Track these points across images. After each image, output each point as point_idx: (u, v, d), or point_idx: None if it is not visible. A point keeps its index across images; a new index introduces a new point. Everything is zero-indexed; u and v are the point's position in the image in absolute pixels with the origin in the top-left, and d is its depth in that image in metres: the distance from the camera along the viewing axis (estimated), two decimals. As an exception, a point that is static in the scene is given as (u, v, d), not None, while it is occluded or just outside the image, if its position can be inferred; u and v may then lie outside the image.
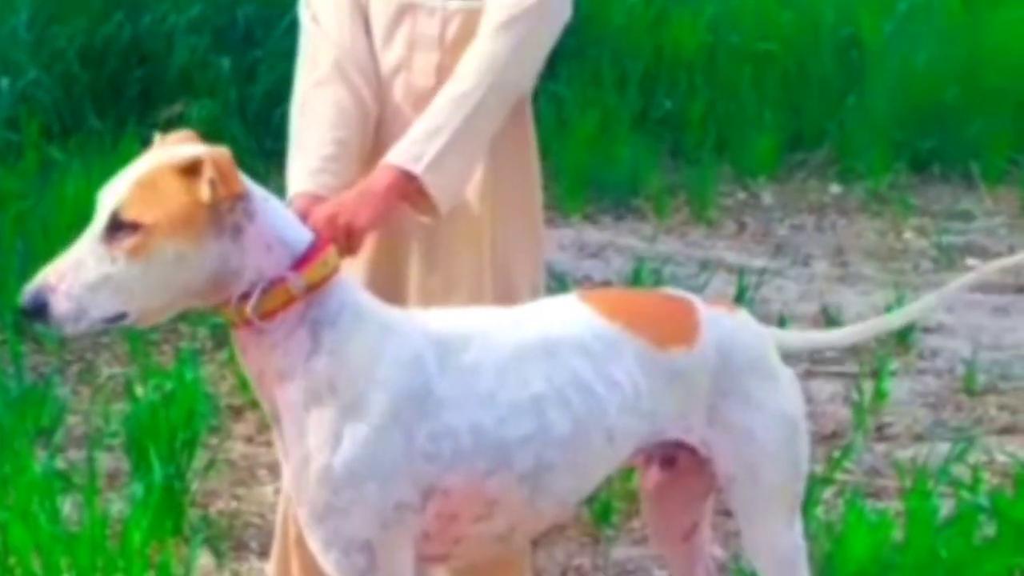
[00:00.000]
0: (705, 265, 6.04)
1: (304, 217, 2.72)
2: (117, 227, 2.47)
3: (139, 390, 4.63)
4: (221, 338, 5.14)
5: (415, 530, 2.64)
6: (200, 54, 6.71)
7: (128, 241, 2.46)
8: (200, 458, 4.24)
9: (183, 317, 5.31)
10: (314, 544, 2.65)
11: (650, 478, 3.01)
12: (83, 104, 6.50)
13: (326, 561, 2.64)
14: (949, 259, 6.46)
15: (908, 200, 7.04)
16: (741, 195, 7.13)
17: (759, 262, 6.18)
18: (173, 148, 2.58)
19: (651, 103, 7.31)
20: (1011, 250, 6.59)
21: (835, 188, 7.21)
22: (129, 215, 2.47)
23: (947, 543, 3.72)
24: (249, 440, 4.63)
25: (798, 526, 2.97)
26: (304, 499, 2.62)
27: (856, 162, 7.25)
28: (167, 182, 2.48)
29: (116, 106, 6.54)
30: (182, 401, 4.27)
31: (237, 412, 4.77)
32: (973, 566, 3.64)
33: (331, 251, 2.64)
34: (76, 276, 2.46)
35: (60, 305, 2.45)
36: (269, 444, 4.59)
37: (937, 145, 7.33)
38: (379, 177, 2.86)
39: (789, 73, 7.48)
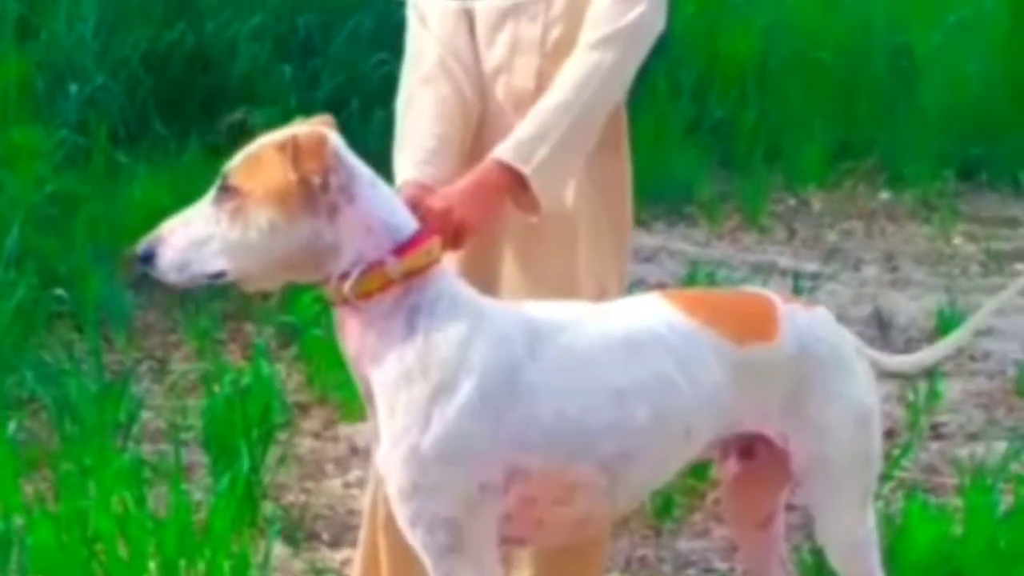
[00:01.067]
0: (758, 269, 6.14)
1: (415, 205, 2.82)
2: (224, 191, 2.65)
3: (211, 387, 4.76)
4: (287, 337, 5.27)
5: (498, 511, 2.73)
6: (262, 62, 6.83)
7: (230, 204, 2.64)
8: (271, 453, 4.37)
9: (248, 316, 5.47)
10: (401, 521, 2.75)
11: (728, 468, 3.09)
12: (148, 110, 6.63)
13: (413, 538, 2.74)
14: (998, 264, 6.55)
15: (956, 207, 7.13)
16: (792, 202, 7.23)
17: (812, 267, 6.28)
18: (296, 127, 2.71)
19: (703, 112, 7.42)
20: (1060, 256, 6.69)
21: (884, 195, 7.31)
22: (233, 181, 2.65)
23: (1007, 535, 3.80)
24: (316, 436, 4.74)
25: (871, 517, 3.04)
26: (393, 477, 2.72)
27: (905, 169, 7.34)
28: (268, 156, 2.64)
29: (180, 112, 6.67)
30: (257, 396, 4.39)
31: (304, 409, 4.89)
32: (1032, 558, 3.73)
33: (435, 242, 2.75)
34: (185, 231, 2.65)
35: (167, 255, 2.65)
36: (336, 439, 4.73)
37: (985, 153, 7.43)
38: (490, 173, 2.97)
39: (840, 82, 7.58)
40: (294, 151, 2.61)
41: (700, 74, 7.51)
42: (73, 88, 6.45)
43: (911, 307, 5.94)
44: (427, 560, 2.74)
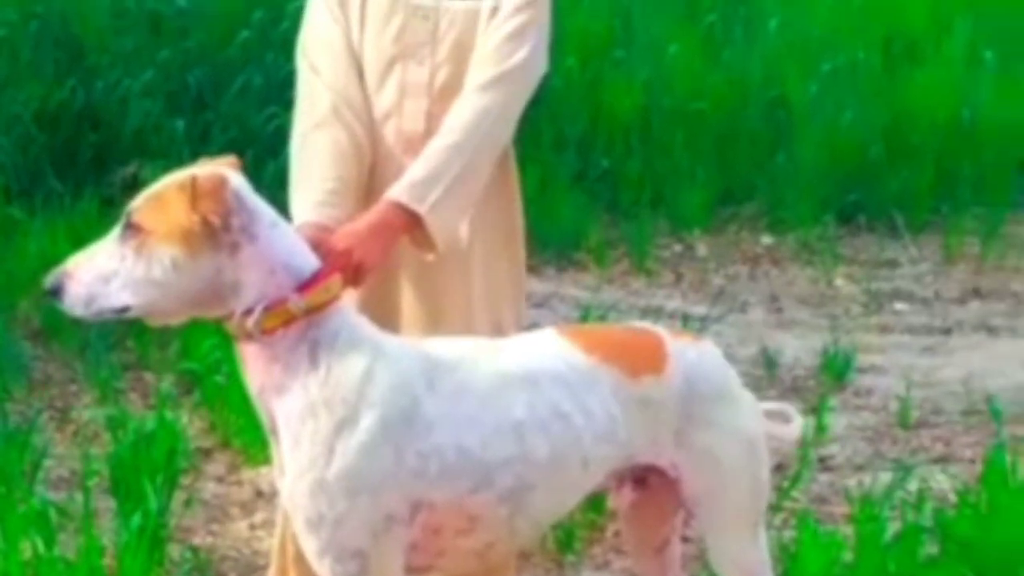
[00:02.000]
0: (647, 313, 6.27)
1: (315, 245, 2.91)
2: (128, 229, 2.74)
3: (107, 435, 4.80)
4: (188, 384, 5.32)
5: (404, 541, 2.82)
6: (154, 117, 6.90)
7: (134, 241, 2.73)
8: (177, 497, 4.42)
9: (147, 365, 5.51)
10: (309, 553, 2.83)
11: (623, 498, 3.20)
12: (42, 165, 6.67)
13: (321, 568, 2.82)
14: (879, 303, 6.74)
15: (837, 250, 7.32)
16: (677, 247, 7.39)
17: (699, 309, 6.43)
18: (197, 168, 2.81)
19: (589, 162, 7.57)
20: (936, 295, 6.90)
21: (767, 239, 7.49)
22: (137, 219, 2.74)
23: (895, 560, 3.95)
24: (220, 480, 4.79)
25: (762, 541, 3.16)
26: (299, 510, 2.80)
27: (786, 214, 7.53)
28: (171, 195, 2.73)
29: (73, 167, 6.72)
30: (162, 441, 4.44)
31: (207, 454, 4.94)
32: (921, 580, 3.88)
33: (335, 279, 2.85)
34: (90, 266, 2.75)
35: (73, 289, 2.75)
36: (240, 483, 4.77)
37: (862, 198, 7.64)
38: (387, 214, 3.08)
39: (720, 132, 7.76)
40: (193, 191, 2.70)
41: (585, 125, 7.67)
42: (-34, 146, 6.49)
43: (796, 346, 6.10)
44: (336, 591, 2.81)
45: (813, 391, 5.60)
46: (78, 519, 4.07)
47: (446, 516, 2.84)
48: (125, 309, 2.76)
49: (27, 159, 6.67)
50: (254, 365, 2.81)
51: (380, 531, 2.78)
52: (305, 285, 2.79)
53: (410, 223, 3.08)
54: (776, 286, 6.97)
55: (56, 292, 2.75)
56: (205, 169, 2.79)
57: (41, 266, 5.81)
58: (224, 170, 2.79)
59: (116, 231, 2.76)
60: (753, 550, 3.13)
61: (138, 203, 2.76)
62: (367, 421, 2.77)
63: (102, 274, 2.74)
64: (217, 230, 2.71)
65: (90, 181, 6.56)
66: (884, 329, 6.45)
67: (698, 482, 3.07)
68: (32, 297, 5.81)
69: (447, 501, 2.83)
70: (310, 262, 2.82)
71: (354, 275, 3.01)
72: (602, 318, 5.98)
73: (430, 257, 3.13)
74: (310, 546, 2.81)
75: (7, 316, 5.61)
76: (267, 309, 2.76)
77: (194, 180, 2.72)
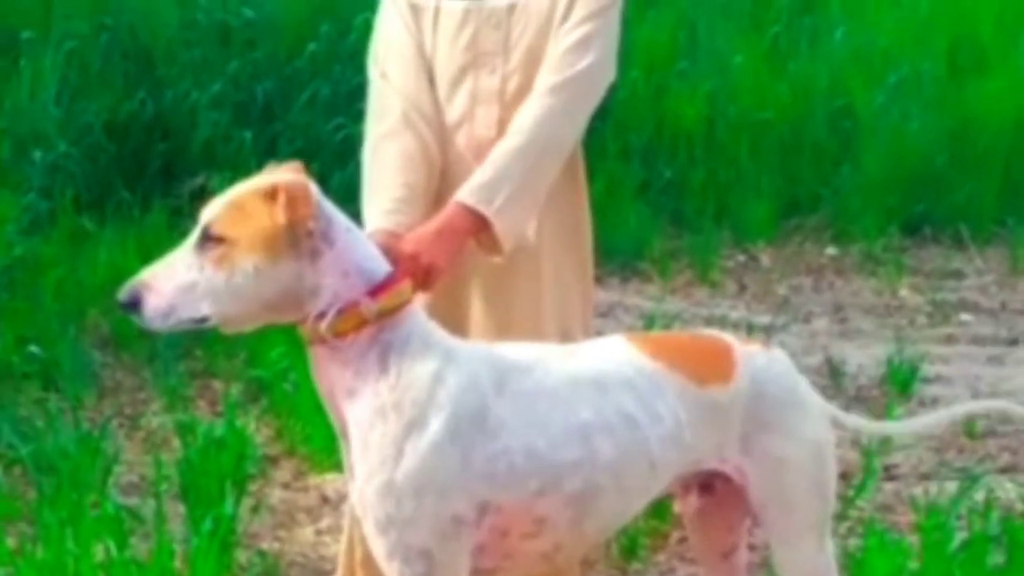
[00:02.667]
0: (711, 322, 6.27)
1: (386, 251, 2.94)
2: (207, 239, 2.75)
3: (176, 441, 4.86)
4: (255, 392, 5.37)
5: (471, 543, 2.84)
6: (222, 128, 6.97)
7: (214, 252, 2.74)
8: (244, 503, 4.46)
9: (215, 373, 5.57)
10: (378, 554, 2.85)
11: (690, 504, 3.19)
12: (111, 176, 6.75)
13: (389, 569, 2.84)
14: (943, 315, 6.72)
15: (902, 261, 7.30)
16: (741, 258, 7.39)
17: (763, 319, 6.43)
18: (271, 175, 2.83)
19: (653, 172, 7.59)
20: (1003, 306, 6.87)
21: (831, 250, 7.48)
22: (217, 230, 2.74)
23: (962, 569, 3.94)
24: (287, 487, 4.83)
25: (829, 549, 3.15)
26: (368, 511, 2.83)
27: (850, 225, 7.51)
28: (252, 204, 2.75)
29: (142, 178, 6.80)
30: (231, 448, 4.49)
31: (274, 461, 4.98)
32: (988, 589, 3.87)
33: (406, 284, 2.88)
34: (168, 278, 2.75)
35: (152, 302, 2.74)
36: (306, 490, 4.81)
37: (928, 208, 7.62)
38: (454, 217, 3.10)
39: (785, 142, 7.76)
40: (287, 200, 2.71)
41: (649, 136, 7.68)
42: (37, 155, 6.56)
43: (861, 356, 6.09)
44: (404, 592, 2.84)
45: (878, 401, 5.58)
46: (149, 523, 4.12)
47: (513, 518, 2.86)
48: (204, 319, 2.77)
49: (97, 170, 6.76)
50: (325, 368, 2.84)
51: (447, 532, 2.80)
52: (377, 289, 2.81)
53: (477, 226, 3.11)
54: (841, 296, 6.96)
55: (134, 305, 2.74)
56: (280, 176, 2.81)
57: (111, 276, 5.94)
58: (304, 176, 2.82)
59: (191, 241, 2.76)
60: (819, 557, 3.13)
61: (215, 213, 2.76)
62: (436, 423, 2.80)
63: (181, 285, 2.74)
64: (301, 237, 2.73)
65: (159, 192, 6.64)
66: (949, 340, 6.43)
67: (764, 488, 3.08)
68: (102, 306, 5.89)
69: (514, 503, 2.85)
70: (382, 267, 2.85)
71: (423, 279, 3.03)
72: (666, 328, 5.98)
73: (497, 260, 3.15)
74: (379, 548, 2.84)
75: (77, 325, 5.69)
76: (340, 312, 2.78)
77: (286, 188, 2.73)
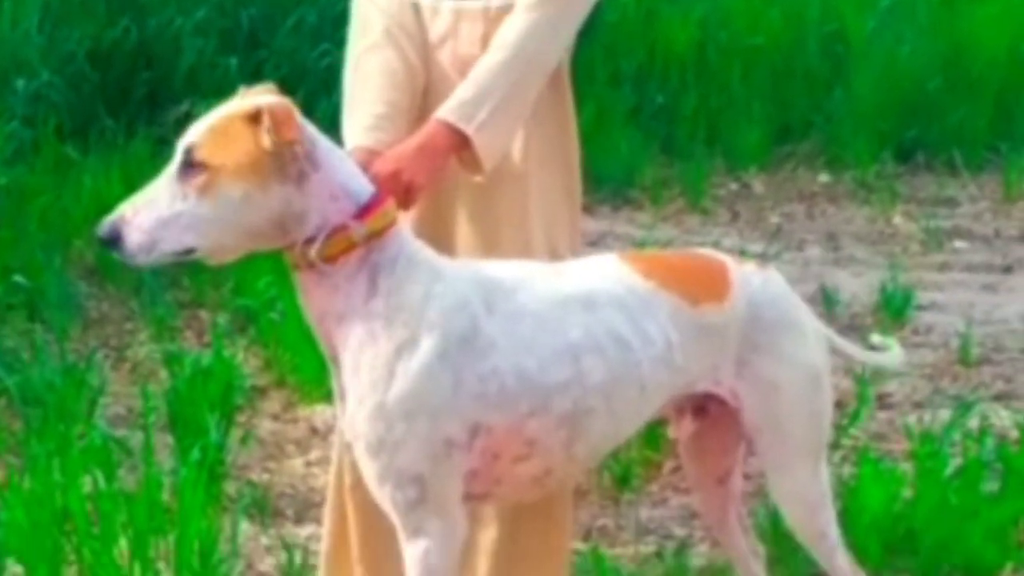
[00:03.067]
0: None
1: (365, 169, 2.87)
2: (189, 167, 2.67)
3: (164, 372, 4.82)
4: (242, 322, 5.32)
5: (463, 466, 2.80)
6: (207, 55, 6.88)
7: (198, 180, 2.66)
8: (233, 434, 4.42)
9: (203, 303, 5.52)
10: (369, 478, 2.82)
11: (684, 428, 3.16)
12: (95, 104, 6.67)
13: (380, 494, 2.81)
14: (937, 242, 6.68)
15: (895, 188, 7.25)
16: (733, 185, 7.34)
17: (755, 247, 6.39)
18: (249, 98, 2.75)
19: (644, 98, 7.51)
20: (996, 233, 6.83)
21: (824, 177, 7.43)
22: (200, 156, 2.67)
23: (956, 495, 3.91)
24: (276, 418, 4.79)
25: (823, 473, 3.11)
26: (359, 435, 2.79)
27: (843, 152, 7.46)
28: (235, 128, 2.68)
29: (126, 106, 6.72)
30: (219, 377, 4.45)
31: (262, 392, 4.94)
32: (983, 514, 3.83)
33: (391, 203, 2.82)
34: (149, 211, 2.67)
35: (133, 237, 2.66)
36: (295, 421, 4.78)
37: (921, 134, 7.57)
38: (435, 135, 3.03)
39: (777, 68, 7.69)
40: (272, 122, 2.64)
41: (640, 61, 7.61)
42: (20, 84, 6.48)
43: (854, 284, 6.05)
44: (395, 516, 2.81)
45: (871, 329, 5.51)
46: (137, 454, 4.08)
47: (504, 441, 2.82)
48: (190, 251, 2.70)
49: (80, 98, 6.67)
50: (314, 294, 2.79)
51: (439, 456, 2.77)
52: (364, 211, 2.76)
53: (458, 143, 3.04)
54: (833, 224, 6.92)
55: (114, 241, 2.66)
56: (261, 99, 2.73)
57: (95, 205, 5.88)
58: (285, 98, 2.75)
59: (172, 170, 2.68)
60: (814, 482, 3.10)
61: (197, 139, 2.68)
62: (427, 344, 2.75)
63: (164, 217, 2.66)
64: (287, 160, 2.67)
65: (143, 120, 6.56)
66: (943, 267, 6.39)
67: (759, 411, 3.04)
68: (87, 236, 5.82)
69: (505, 425, 2.81)
70: (366, 187, 2.80)
71: (404, 197, 2.97)
72: (658, 255, 5.95)
73: (477, 178, 3.09)
74: (370, 472, 2.80)
75: (62, 255, 5.63)
76: (329, 237, 2.73)
77: (269, 110, 2.66)
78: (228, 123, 2.69)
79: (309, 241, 2.73)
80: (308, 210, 2.72)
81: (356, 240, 2.74)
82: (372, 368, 2.76)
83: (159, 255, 2.68)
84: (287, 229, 2.73)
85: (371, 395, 2.76)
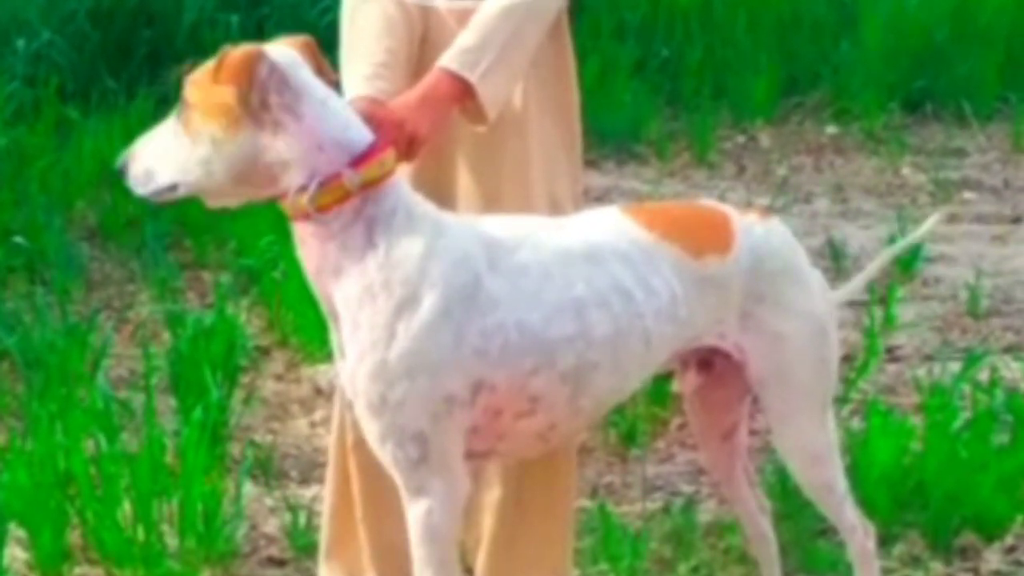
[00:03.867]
0: (710, 204, 6.18)
1: (368, 119, 2.83)
2: (182, 104, 2.71)
3: (166, 333, 4.79)
4: (245, 283, 5.28)
5: (465, 424, 2.77)
6: (208, 13, 6.84)
7: (183, 117, 2.70)
8: (236, 394, 4.40)
9: (205, 264, 5.48)
10: (370, 437, 2.78)
11: (689, 382, 3.12)
12: (96, 64, 6.63)
13: (382, 452, 2.78)
14: (946, 193, 6.63)
15: (903, 139, 7.20)
16: (740, 138, 7.29)
17: (763, 200, 6.33)
18: (268, 45, 2.73)
19: (649, 51, 7.45)
20: (1006, 183, 6.78)
21: (831, 129, 7.37)
22: (186, 94, 2.71)
23: (966, 448, 3.88)
24: (280, 378, 4.77)
25: (830, 424, 3.07)
26: (360, 393, 2.75)
27: (851, 103, 7.40)
28: (215, 72, 2.68)
29: (127, 65, 6.68)
30: (221, 337, 4.42)
31: (265, 352, 4.91)
32: (993, 467, 3.80)
33: (389, 153, 2.78)
34: (150, 145, 2.75)
35: (134, 168, 2.76)
36: (299, 381, 4.75)
37: (929, 85, 7.51)
38: (438, 84, 2.98)
39: (783, 18, 7.63)
40: (226, 69, 2.65)
41: (644, 14, 7.54)
42: (20, 44, 6.44)
43: (862, 237, 6.01)
44: (397, 475, 2.78)
45: (880, 281, 5.45)
46: (139, 416, 4.05)
47: (507, 397, 2.79)
48: (174, 187, 2.74)
49: (81, 58, 6.64)
50: (310, 246, 2.76)
51: (440, 413, 2.73)
52: (359, 160, 2.72)
53: (461, 92, 2.99)
54: (841, 176, 6.87)
55: (123, 172, 2.77)
56: (245, 45, 2.71)
57: (96, 166, 5.85)
58: (269, 46, 2.72)
59: (177, 107, 2.74)
60: (820, 434, 3.06)
61: (191, 77, 2.73)
62: (428, 301, 2.72)
63: (157, 151, 2.73)
64: (255, 108, 2.65)
65: (144, 79, 6.53)
66: (952, 218, 6.33)
67: (764, 364, 3.00)
68: (88, 197, 5.80)
69: (508, 381, 2.77)
70: (364, 137, 2.75)
71: (407, 148, 2.92)
72: (664, 210, 5.90)
73: (481, 128, 3.05)
74: (371, 431, 2.77)
75: (64, 216, 5.60)
76: (322, 185, 2.70)
77: (223, 57, 2.67)
78: (214, 66, 2.70)
79: (303, 190, 2.70)
80: (291, 160, 2.69)
81: (350, 188, 2.71)
82: (372, 327, 2.72)
83: (155, 187, 2.75)
84: (272, 177, 2.70)
85: (371, 353, 2.72)
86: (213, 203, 2.81)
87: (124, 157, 2.77)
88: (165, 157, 2.72)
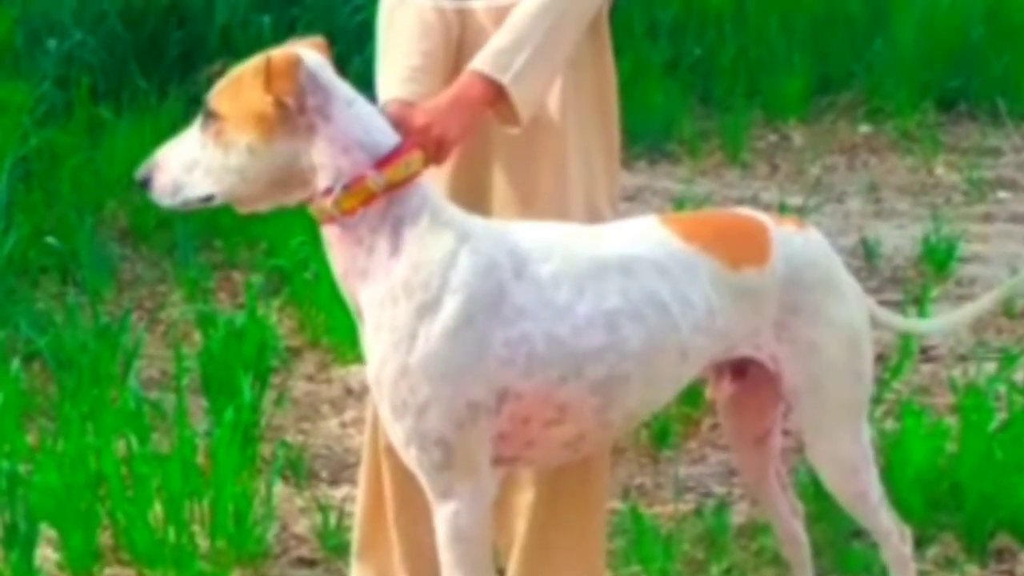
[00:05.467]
0: (742, 204, 6.13)
1: (398, 122, 2.83)
2: (208, 116, 2.71)
3: (197, 334, 4.78)
4: (276, 283, 5.28)
5: (491, 431, 2.76)
6: (240, 13, 6.84)
7: (212, 129, 2.70)
8: (267, 395, 4.39)
9: (236, 265, 5.48)
10: (395, 441, 2.79)
11: (723, 389, 3.10)
12: (128, 64, 6.63)
13: (407, 456, 2.78)
14: (980, 192, 6.59)
15: (937, 138, 7.16)
16: (772, 138, 7.26)
17: (796, 200, 6.31)
18: (281, 49, 2.72)
19: (681, 51, 7.43)
20: (1041, 183, 6.74)
21: (865, 128, 7.34)
22: (214, 105, 2.71)
23: (1002, 447, 3.84)
24: (311, 379, 4.76)
25: (864, 435, 3.05)
26: (384, 396, 2.75)
27: (884, 102, 7.38)
28: (246, 79, 2.68)
29: (159, 66, 6.68)
30: (253, 337, 4.42)
31: (297, 352, 4.90)
32: (1029, 468, 3.77)
33: (416, 155, 2.77)
34: (175, 156, 2.74)
35: (160, 180, 2.75)
36: (330, 381, 4.74)
37: (963, 83, 7.48)
38: (471, 87, 2.96)
39: (816, 17, 7.60)
40: (267, 74, 2.64)
41: (677, 13, 7.52)
42: (52, 44, 6.45)
43: (896, 236, 5.98)
44: (423, 478, 2.78)
45: (914, 281, 5.47)
46: (171, 417, 4.05)
47: (534, 406, 2.77)
48: (209, 197, 2.74)
49: (113, 58, 6.63)
50: (338, 248, 2.76)
51: (464, 420, 2.72)
52: (384, 161, 2.72)
53: (493, 94, 2.96)
54: (875, 175, 6.83)
55: (146, 183, 2.75)
56: (279, 51, 2.71)
57: (128, 166, 5.78)
58: (300, 50, 2.72)
59: (199, 119, 2.73)
60: (854, 446, 3.04)
61: (216, 89, 2.72)
62: (450, 307, 2.71)
63: (185, 163, 2.72)
64: (292, 112, 2.66)
65: (176, 79, 6.52)
66: (987, 218, 6.30)
67: (798, 375, 2.98)
68: (120, 197, 5.79)
69: (535, 390, 2.76)
70: (389, 138, 2.75)
71: (436, 151, 2.90)
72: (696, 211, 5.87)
73: (515, 131, 3.02)
74: (396, 434, 2.77)
75: (95, 217, 5.60)
76: (346, 188, 2.70)
77: (268, 62, 2.66)
78: (242, 74, 2.71)
79: (328, 192, 2.71)
80: (319, 163, 2.70)
81: (374, 189, 2.71)
82: (393, 329, 2.72)
83: (183, 199, 2.75)
84: (304, 181, 2.71)
85: (393, 356, 2.72)
86: (244, 210, 2.81)
87: (146, 169, 2.76)
88: (196, 169, 2.72)
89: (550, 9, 2.99)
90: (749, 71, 7.40)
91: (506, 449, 2.80)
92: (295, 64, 2.65)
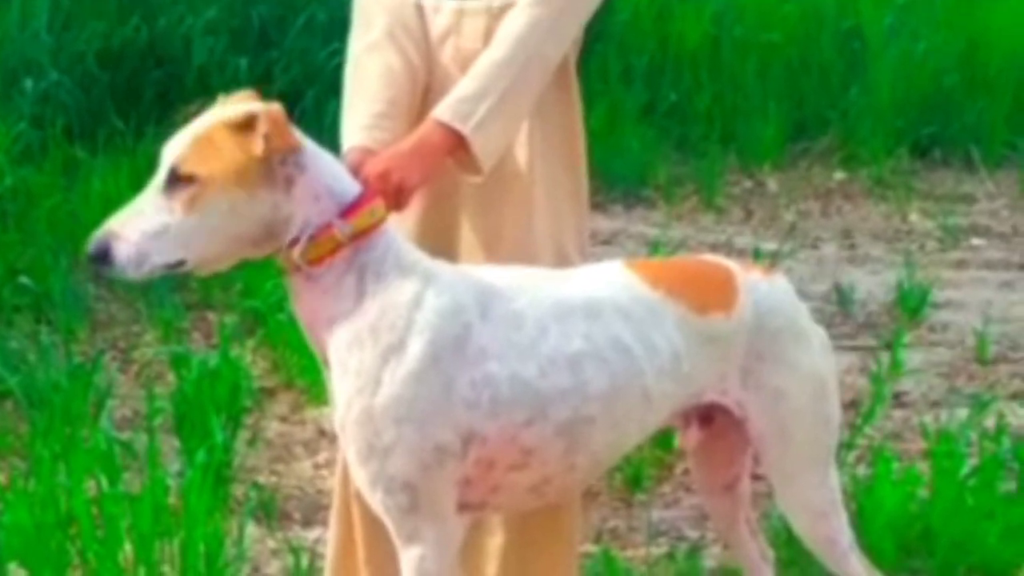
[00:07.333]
0: (717, 249, 6.16)
1: (357, 170, 2.84)
2: (175, 180, 2.63)
3: (171, 374, 4.77)
4: (251, 324, 5.27)
5: (457, 475, 2.75)
6: (217, 55, 6.83)
7: (185, 193, 2.62)
8: (240, 436, 4.38)
9: (210, 304, 5.47)
10: (361, 484, 2.78)
11: (690, 437, 3.10)
12: (104, 105, 6.62)
13: (373, 500, 2.77)
14: (954, 239, 6.62)
15: (911, 184, 7.20)
16: (747, 183, 7.28)
17: (770, 245, 6.32)
18: (232, 106, 2.72)
19: (657, 96, 7.46)
20: (1014, 230, 6.77)
21: (839, 174, 7.37)
22: (186, 169, 2.63)
23: (973, 495, 3.86)
24: (284, 419, 4.75)
25: (832, 481, 3.06)
26: (350, 440, 2.75)
27: (859, 149, 7.41)
28: (222, 137, 2.64)
29: (136, 106, 6.66)
30: (226, 379, 4.41)
31: (270, 393, 4.89)
32: (1000, 514, 3.78)
33: (379, 202, 2.77)
34: (137, 224, 2.62)
35: (122, 251, 2.61)
36: (303, 423, 4.74)
37: (938, 131, 7.52)
38: (429, 133, 2.96)
39: (792, 64, 7.64)
40: (272, 128, 2.61)
41: (652, 58, 7.55)
42: (28, 84, 6.44)
43: (870, 282, 6.00)
44: (389, 523, 2.78)
45: (887, 327, 5.49)
46: (143, 457, 4.03)
47: (499, 449, 2.77)
48: (180, 263, 2.66)
49: (89, 98, 6.62)
50: (304, 298, 2.75)
51: (430, 463, 2.72)
52: (349, 210, 2.71)
53: (454, 143, 2.97)
54: (849, 222, 6.86)
55: (103, 256, 2.61)
56: (252, 105, 2.69)
57: (104, 206, 5.80)
58: (266, 103, 2.70)
59: (158, 183, 2.63)
60: (822, 491, 3.04)
61: (182, 151, 2.64)
62: (414, 349, 2.70)
63: (152, 231, 2.61)
64: (275, 166, 2.64)
65: (153, 120, 6.50)
66: (960, 265, 6.33)
67: (765, 421, 2.98)
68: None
69: (500, 432, 2.75)
70: (352, 187, 2.75)
71: (395, 197, 2.90)
72: (671, 255, 5.89)
73: (476, 179, 3.02)
74: (361, 477, 2.76)
75: (70, 257, 5.58)
76: (313, 238, 2.69)
77: (267, 116, 2.62)
78: (213, 132, 2.65)
79: (295, 243, 2.69)
80: (293, 213, 2.69)
81: (341, 239, 2.70)
82: (359, 372, 2.72)
83: (150, 268, 2.64)
84: (276, 234, 2.69)
85: (358, 400, 2.72)
86: (207, 271, 2.76)
87: (101, 241, 2.61)
88: (164, 236, 2.62)
89: (515, 58, 3.00)
90: (724, 117, 7.43)
91: (472, 495, 2.80)
92: (285, 119, 2.65)
